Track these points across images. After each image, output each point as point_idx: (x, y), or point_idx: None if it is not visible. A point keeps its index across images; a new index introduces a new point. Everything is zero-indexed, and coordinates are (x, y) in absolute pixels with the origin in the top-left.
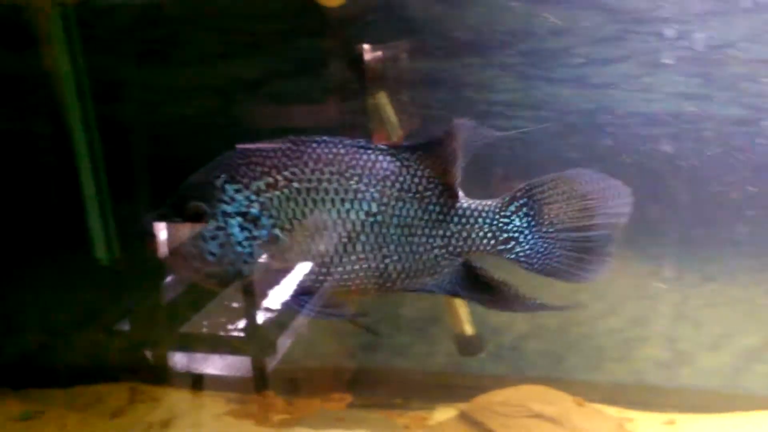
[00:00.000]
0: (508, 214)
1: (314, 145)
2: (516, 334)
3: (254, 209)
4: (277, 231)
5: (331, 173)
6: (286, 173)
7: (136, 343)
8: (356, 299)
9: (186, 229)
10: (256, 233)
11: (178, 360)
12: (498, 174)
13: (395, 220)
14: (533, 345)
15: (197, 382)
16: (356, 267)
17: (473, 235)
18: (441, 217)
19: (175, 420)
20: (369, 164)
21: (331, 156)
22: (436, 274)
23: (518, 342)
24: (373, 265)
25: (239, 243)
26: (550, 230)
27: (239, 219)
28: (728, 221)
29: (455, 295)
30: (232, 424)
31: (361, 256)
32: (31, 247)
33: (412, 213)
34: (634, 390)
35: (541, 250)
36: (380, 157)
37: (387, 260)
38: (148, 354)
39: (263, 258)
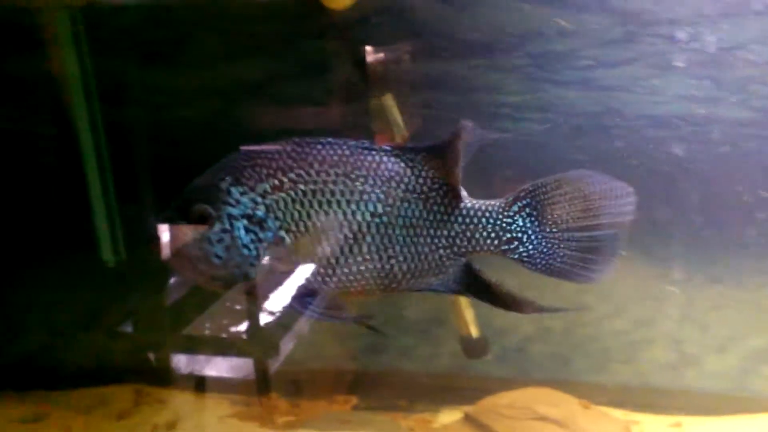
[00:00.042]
0: (512, 214)
1: (319, 146)
2: (521, 336)
3: (260, 211)
4: (282, 233)
5: (337, 175)
6: (291, 175)
7: (142, 345)
8: (358, 300)
9: (191, 232)
10: (261, 236)
11: (184, 362)
12: (507, 176)
13: (401, 221)
14: (539, 347)
15: (202, 384)
16: (362, 268)
17: (477, 235)
18: (446, 217)
19: (180, 422)
20: (374, 165)
21: (336, 157)
22: (441, 273)
23: (524, 344)
24: (379, 265)
25: (245, 246)
26: (554, 230)
27: (245, 221)
28: (736, 224)
29: (460, 293)
30: (236, 426)
31: (367, 257)
32: (37, 248)
33: (417, 214)
34: (640, 392)
35: (545, 250)
36: (385, 159)
37: (392, 261)
38: (154, 356)
39: (269, 260)
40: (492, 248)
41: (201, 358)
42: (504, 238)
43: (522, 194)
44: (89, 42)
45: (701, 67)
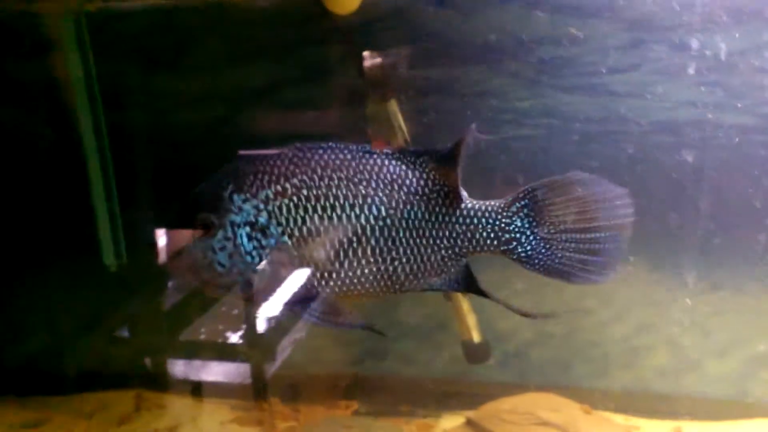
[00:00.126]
0: (510, 214)
1: (320, 151)
2: (523, 341)
3: (262, 218)
4: (285, 239)
5: (339, 179)
6: (294, 181)
7: (143, 350)
8: (359, 303)
9: (195, 241)
10: (264, 242)
11: (185, 367)
12: (513, 181)
13: (403, 223)
14: (540, 352)
15: (203, 389)
16: (365, 271)
17: (477, 236)
18: (447, 218)
19: (181, 427)
20: (376, 169)
21: (338, 162)
22: (443, 273)
23: (525, 349)
24: (382, 268)
25: (248, 253)
26: (552, 231)
27: (247, 229)
28: (740, 229)
29: (461, 291)
30: (237, 431)
31: (371, 259)
32: (38, 251)
33: (419, 215)
34: (641, 397)
35: (543, 251)
36: (386, 162)
37: (396, 263)
38: (155, 361)
39: (272, 266)
40: (492, 248)
41: (202, 363)
42: (503, 239)
43: (521, 195)
44: (93, 47)
45: (709, 72)
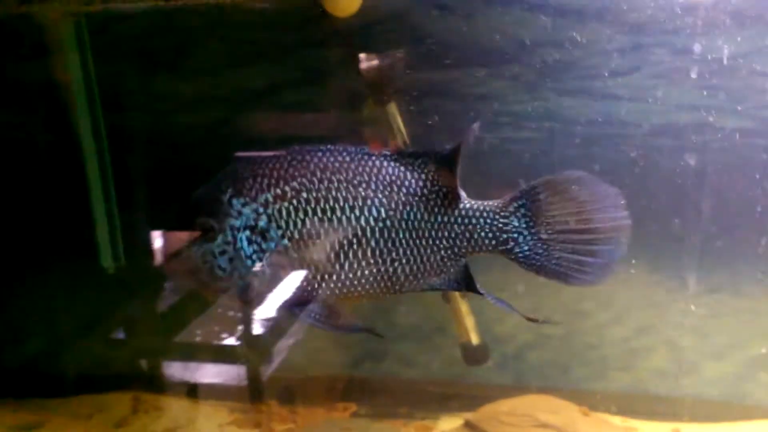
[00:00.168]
0: (507, 214)
1: (319, 154)
2: (521, 343)
3: (262, 222)
4: (285, 242)
5: (338, 181)
6: (293, 184)
7: (141, 352)
8: (357, 304)
9: (194, 245)
10: (264, 246)
11: (182, 369)
12: (512, 184)
13: (403, 224)
14: (539, 354)
15: (201, 391)
16: (365, 272)
17: (476, 236)
18: (446, 218)
19: (179, 430)
20: (375, 171)
21: (337, 164)
22: (443, 273)
23: (524, 351)
24: (383, 269)
25: (248, 257)
26: (548, 232)
27: (247, 233)
28: (740, 232)
29: (460, 290)
30: None
31: (370, 261)
32: (37, 254)
33: (419, 216)
34: (639, 399)
35: (540, 251)
36: (385, 164)
37: (396, 264)
38: (153, 363)
39: (272, 270)
40: (490, 248)
41: (200, 365)
42: (501, 238)
43: (518, 195)
44: (93, 48)
45: (712, 76)
